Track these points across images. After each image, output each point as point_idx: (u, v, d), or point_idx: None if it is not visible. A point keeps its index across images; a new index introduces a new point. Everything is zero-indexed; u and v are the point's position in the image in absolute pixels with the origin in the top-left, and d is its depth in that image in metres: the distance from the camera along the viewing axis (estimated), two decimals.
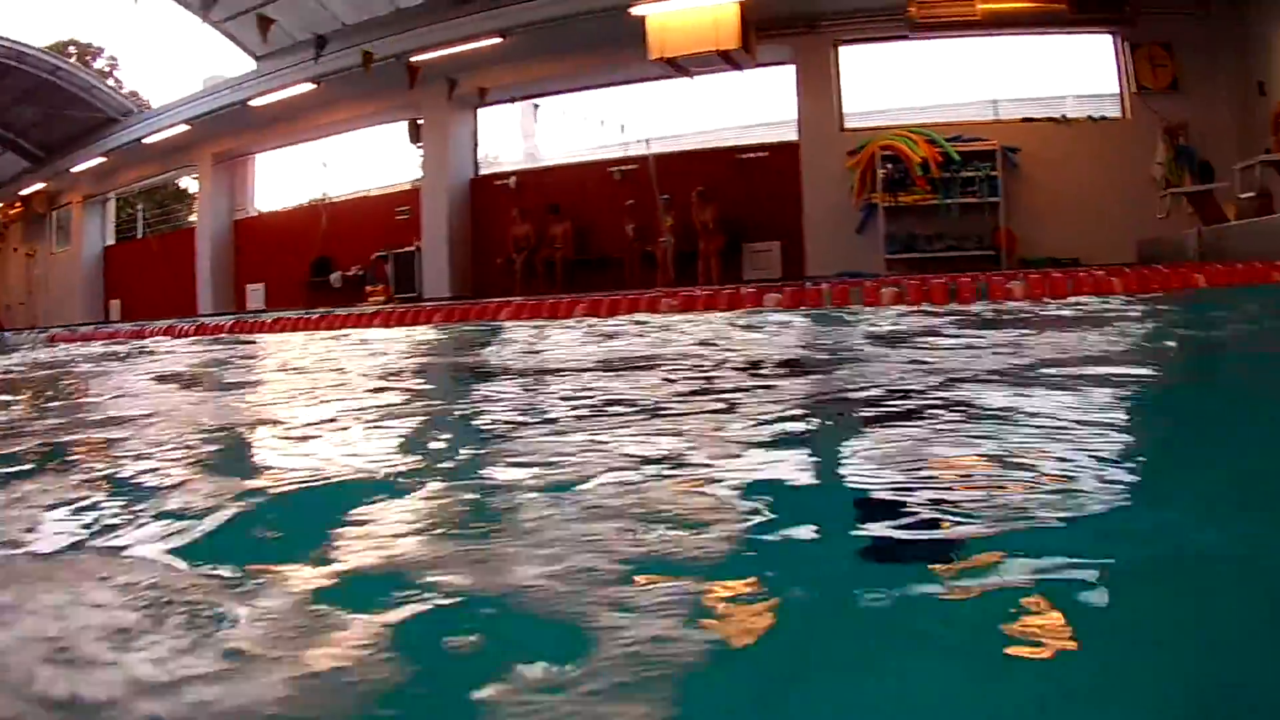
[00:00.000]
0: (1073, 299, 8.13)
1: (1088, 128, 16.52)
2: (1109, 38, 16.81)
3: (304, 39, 19.38)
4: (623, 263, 17.85)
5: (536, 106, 20.04)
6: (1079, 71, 17.17)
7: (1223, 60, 16.18)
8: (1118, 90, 16.78)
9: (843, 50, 17.45)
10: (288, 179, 28.17)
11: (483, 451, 2.67)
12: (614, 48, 17.05)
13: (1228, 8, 16.15)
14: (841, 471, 2.19)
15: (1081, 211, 15.55)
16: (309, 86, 19.62)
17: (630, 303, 9.59)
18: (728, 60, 16.68)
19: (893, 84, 17.55)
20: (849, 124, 17.39)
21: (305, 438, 2.99)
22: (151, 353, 9.12)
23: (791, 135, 17.65)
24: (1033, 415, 2.59)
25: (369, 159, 22.83)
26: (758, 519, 1.71)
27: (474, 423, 3.27)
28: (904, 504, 1.71)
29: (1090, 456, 2.01)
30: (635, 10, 16.06)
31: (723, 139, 18.30)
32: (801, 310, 8.91)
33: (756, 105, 18.03)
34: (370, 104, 19.80)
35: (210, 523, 1.80)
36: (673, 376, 4.20)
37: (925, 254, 15.95)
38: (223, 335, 12.51)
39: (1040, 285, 9.28)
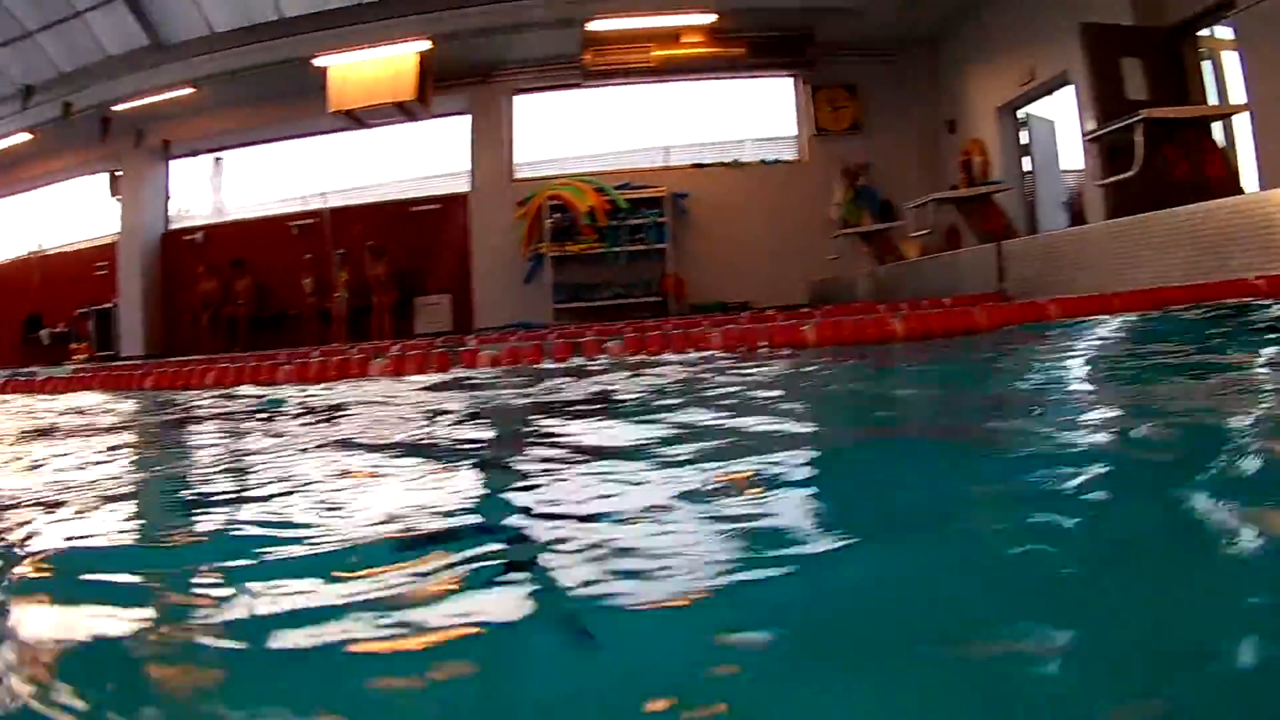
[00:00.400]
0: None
1: (762, 171, 16.44)
2: (790, 81, 16.66)
3: (12, 90, 18.95)
4: (300, 319, 17.16)
5: (219, 160, 19.46)
6: (759, 115, 16.94)
7: (910, 101, 16.38)
8: (796, 133, 16.70)
9: (517, 100, 16.92)
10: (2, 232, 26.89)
11: None
12: (298, 100, 16.49)
13: (918, 49, 16.28)
14: None
15: (754, 255, 15.50)
16: (24, 137, 19.13)
17: (340, 366, 8.41)
18: (404, 112, 16.12)
19: (566, 133, 16.88)
20: (520, 174, 16.86)
21: None
22: None
23: (465, 187, 17.13)
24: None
25: (81, 211, 21.91)
26: None
27: None
28: None
29: None
30: (317, 62, 15.54)
31: (400, 191, 17.76)
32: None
33: (433, 156, 17.44)
34: (76, 155, 19.03)
35: None
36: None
37: (591, 303, 15.71)
38: None
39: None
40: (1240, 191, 5.96)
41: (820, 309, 9.82)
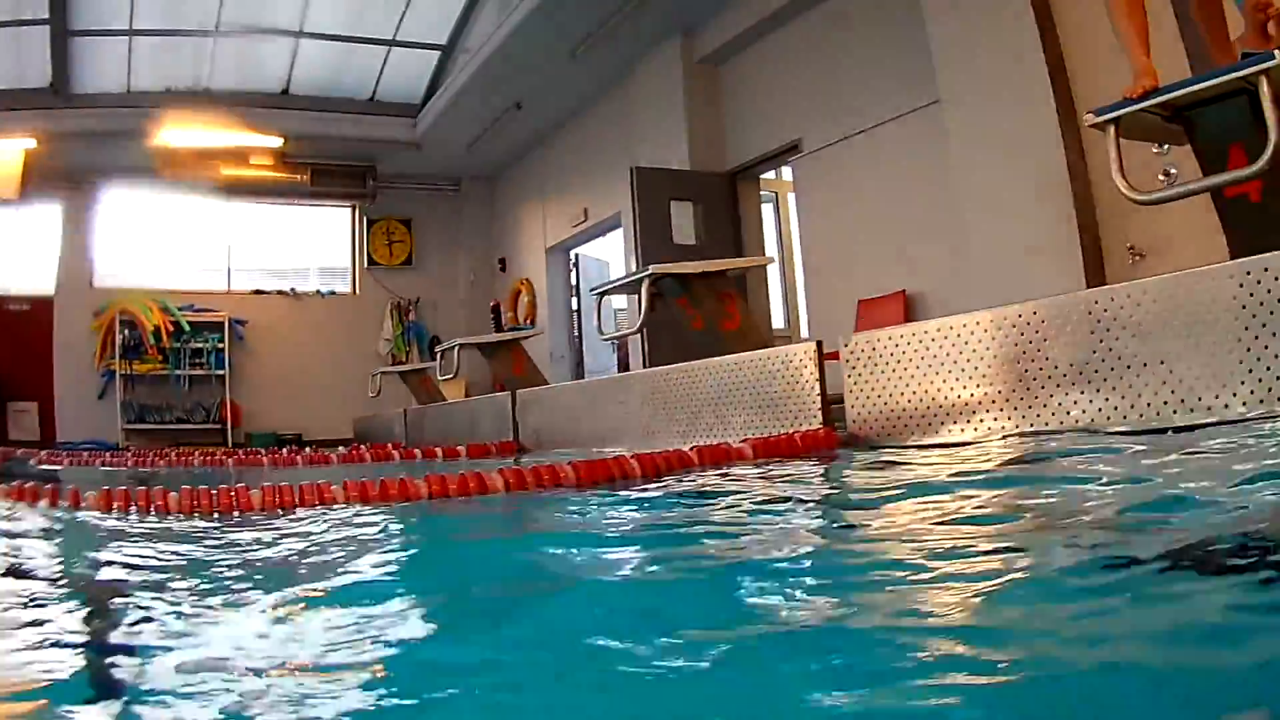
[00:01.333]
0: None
1: (317, 302, 15.70)
2: (349, 210, 16.05)
3: None
4: None
5: None
6: (320, 243, 16.15)
7: (465, 237, 16.25)
8: (350, 265, 16.10)
9: (101, 206, 15.16)
10: None
11: None
12: None
13: (476, 186, 16.27)
14: None
15: (308, 387, 14.80)
16: None
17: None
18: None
19: (143, 245, 15.21)
20: (100, 282, 14.99)
21: None
22: None
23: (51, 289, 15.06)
24: None
25: None
26: None
27: None
28: None
29: None
30: None
31: None
32: None
33: (24, 252, 15.14)
34: None
35: None
36: None
37: (157, 425, 14.67)
38: None
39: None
40: (764, 344, 5.91)
41: (355, 447, 9.39)
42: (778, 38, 10.31)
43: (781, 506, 2.65)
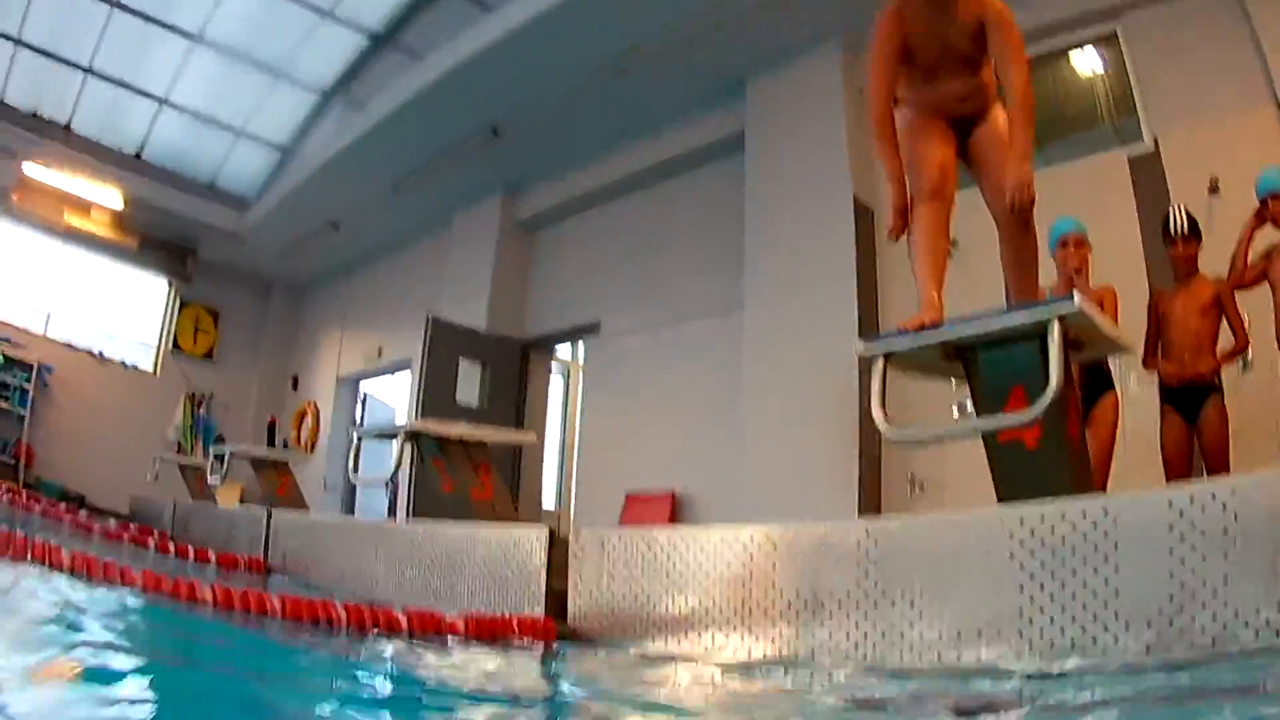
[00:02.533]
0: None
1: (120, 372, 14.65)
2: (165, 285, 15.12)
3: None
4: None
5: None
6: (136, 315, 15.13)
7: (267, 345, 15.56)
8: (157, 344, 15.12)
9: None
10: None
11: None
12: None
13: (286, 295, 15.72)
14: None
15: (100, 451, 13.56)
16: None
17: None
18: None
19: None
20: None
21: None
22: None
23: None
24: None
25: None
26: None
27: None
28: None
29: None
30: None
31: None
32: None
33: None
34: None
35: None
36: None
37: None
38: None
39: None
40: (510, 520, 5.63)
41: (124, 524, 8.68)
42: (595, 216, 10.27)
43: (454, 689, 2.49)
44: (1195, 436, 4.81)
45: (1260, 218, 4.77)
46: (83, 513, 8.73)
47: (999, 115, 3.30)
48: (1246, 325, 4.84)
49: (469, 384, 10.17)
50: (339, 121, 11.30)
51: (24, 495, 9.51)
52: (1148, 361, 5.04)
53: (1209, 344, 4.86)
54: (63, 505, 9.21)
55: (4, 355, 13.59)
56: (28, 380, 13.79)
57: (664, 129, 9.23)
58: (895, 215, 3.23)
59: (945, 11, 3.23)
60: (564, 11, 7.88)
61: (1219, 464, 4.67)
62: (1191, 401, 4.82)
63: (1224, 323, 4.88)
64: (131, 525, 8.97)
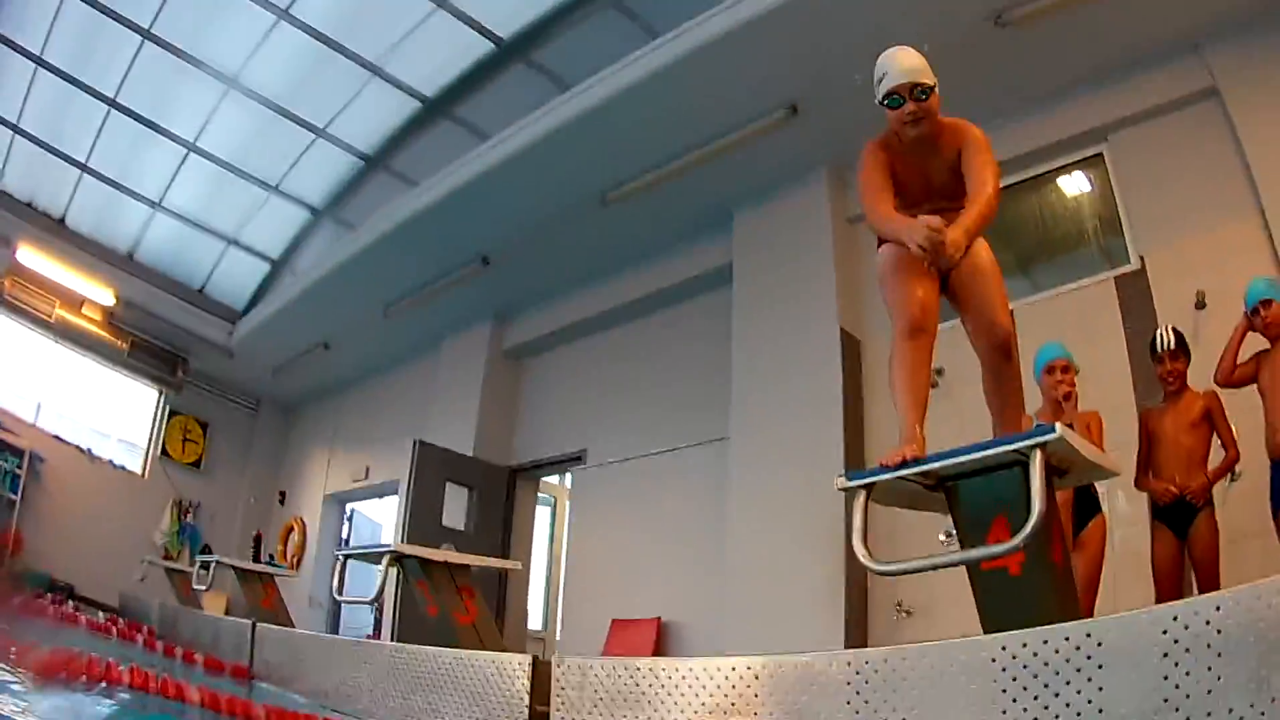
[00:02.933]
0: None
1: (109, 470, 14.47)
2: (155, 394, 15.07)
3: None
4: None
5: None
6: (126, 415, 15.08)
7: (255, 459, 15.44)
8: (145, 447, 15.00)
9: None
10: None
11: None
12: None
13: (275, 413, 15.70)
14: None
15: (90, 545, 13.29)
16: None
17: None
18: None
19: None
20: None
21: None
22: None
23: None
24: None
25: None
26: None
27: None
28: None
29: None
30: None
31: None
32: None
33: None
34: None
35: None
36: None
37: None
38: None
39: None
40: (495, 645, 5.56)
41: (113, 618, 8.88)
42: (583, 346, 10.34)
43: None
44: (1187, 551, 4.78)
45: (1251, 324, 4.83)
46: (70, 604, 8.85)
47: (982, 250, 3.31)
48: (1236, 435, 4.84)
49: (456, 508, 10.12)
50: (330, 240, 11.44)
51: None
52: (1140, 481, 5.05)
53: (1200, 460, 4.86)
54: (49, 596, 9.27)
55: None
56: (19, 466, 13.55)
57: (651, 260, 9.37)
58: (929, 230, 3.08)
59: (928, 145, 3.32)
60: (552, 145, 8.06)
61: (1209, 578, 4.65)
62: (1183, 517, 4.81)
63: (1214, 436, 4.89)
64: (120, 619, 9.02)
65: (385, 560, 5.89)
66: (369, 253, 10.18)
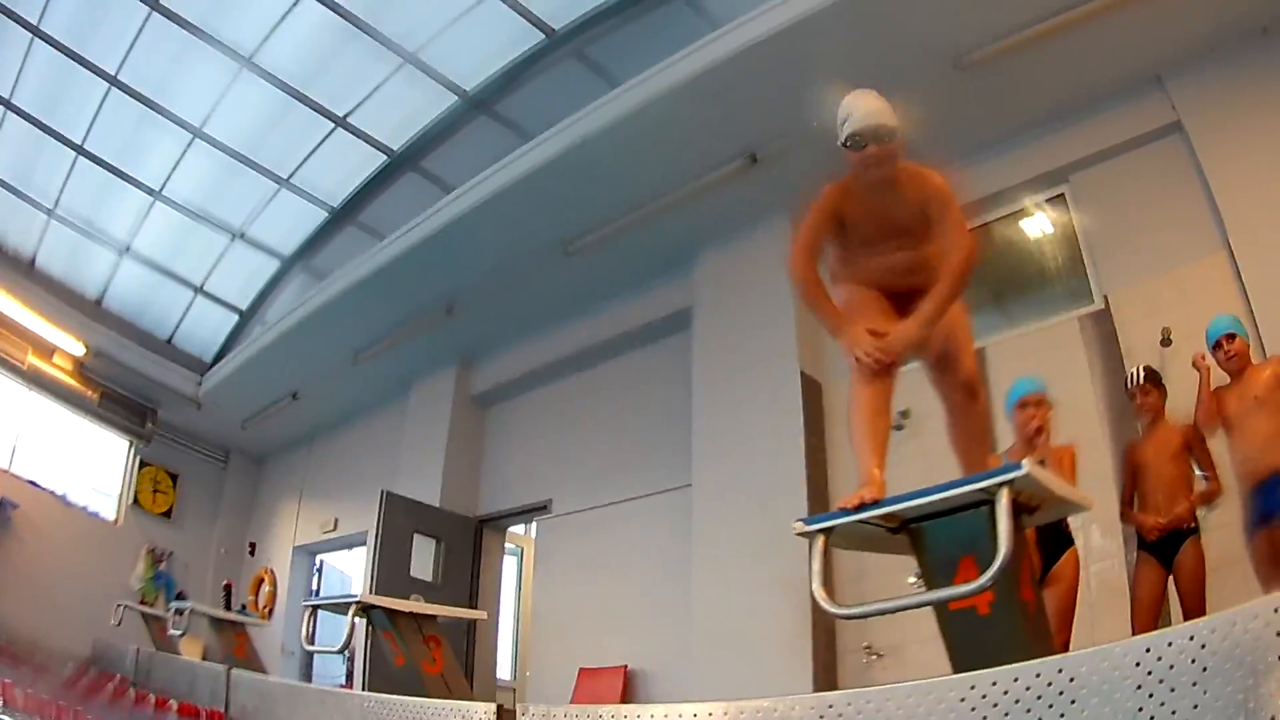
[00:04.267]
0: None
1: (83, 517, 14.08)
2: (126, 445, 14.76)
3: None
4: None
5: None
6: (98, 463, 14.72)
7: (225, 510, 15.13)
8: (118, 495, 14.64)
9: None
10: None
11: None
12: None
13: (245, 464, 15.41)
14: None
15: (61, 592, 12.89)
16: None
17: None
18: None
19: None
20: None
21: None
22: None
23: None
24: None
25: None
26: None
27: None
28: None
29: None
30: None
31: None
32: None
33: None
34: None
35: None
36: None
37: None
38: None
39: None
40: (463, 694, 5.36)
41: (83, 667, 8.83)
42: (545, 392, 10.16)
43: None
44: (1173, 580, 4.71)
45: (1215, 358, 4.82)
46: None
47: None
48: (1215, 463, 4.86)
49: (423, 559, 9.90)
50: (299, 291, 11.27)
51: None
52: (1125, 514, 5.02)
53: (1184, 488, 4.85)
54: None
55: None
56: None
57: (613, 304, 9.22)
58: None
59: (888, 188, 3.18)
60: (514, 194, 7.97)
61: (1195, 606, 4.56)
62: (1169, 546, 4.75)
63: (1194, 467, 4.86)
64: (88, 668, 8.97)
65: (351, 610, 5.72)
66: (338, 302, 10.02)
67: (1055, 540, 4.58)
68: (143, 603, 12.41)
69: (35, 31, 8.92)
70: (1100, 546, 5.41)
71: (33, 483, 13.77)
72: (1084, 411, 5.79)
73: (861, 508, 2.70)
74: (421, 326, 10.15)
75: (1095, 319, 6.14)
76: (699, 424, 7.75)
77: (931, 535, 2.67)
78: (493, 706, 3.81)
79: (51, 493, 13.78)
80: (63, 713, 2.85)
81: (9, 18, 8.79)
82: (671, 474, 8.03)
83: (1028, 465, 2.41)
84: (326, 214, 10.65)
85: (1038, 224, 6.93)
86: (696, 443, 7.70)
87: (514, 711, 3.66)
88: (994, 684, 2.08)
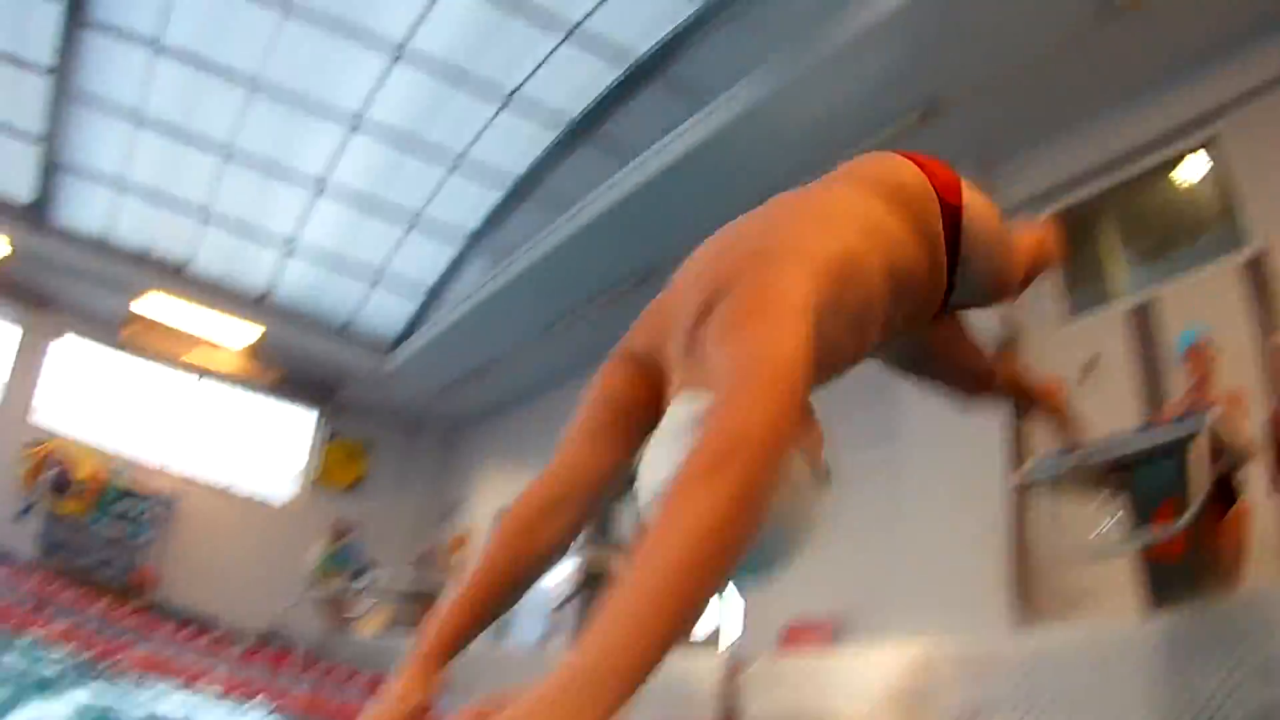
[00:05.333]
0: None
1: (254, 506, 14.94)
2: (313, 416, 15.63)
3: None
4: None
5: None
6: (270, 448, 15.46)
7: (420, 476, 15.67)
8: (299, 476, 15.43)
9: (57, 343, 14.28)
10: None
11: None
12: None
13: (439, 430, 15.83)
14: None
15: (233, 576, 13.76)
16: None
17: None
18: None
19: (96, 399, 14.51)
20: (36, 419, 13.98)
21: None
22: None
23: None
24: None
25: None
26: None
27: None
28: None
29: None
30: None
31: None
32: None
33: None
34: None
35: None
36: None
37: (67, 566, 13.10)
38: None
39: None
40: None
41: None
42: None
43: None
44: None
45: None
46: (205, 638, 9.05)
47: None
48: None
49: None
50: (483, 269, 11.63)
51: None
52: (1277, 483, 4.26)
53: None
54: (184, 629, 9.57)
55: (122, 489, 13.96)
56: (146, 511, 14.03)
57: None
58: None
59: None
60: (698, 159, 8.11)
61: None
62: None
63: None
64: (266, 644, 9.58)
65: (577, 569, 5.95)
66: (525, 276, 10.38)
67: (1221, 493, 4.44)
68: (322, 581, 12.78)
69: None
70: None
71: (195, 478, 14.59)
72: (1243, 361, 5.31)
73: (1074, 449, 2.70)
74: (615, 295, 10.22)
75: (1254, 265, 5.77)
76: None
77: (1137, 478, 2.85)
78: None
79: (218, 487, 14.70)
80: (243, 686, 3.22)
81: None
82: (876, 428, 7.74)
83: (1213, 415, 2.56)
84: (502, 193, 11.01)
85: (1190, 170, 6.63)
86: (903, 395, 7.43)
87: (739, 664, 3.95)
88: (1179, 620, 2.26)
